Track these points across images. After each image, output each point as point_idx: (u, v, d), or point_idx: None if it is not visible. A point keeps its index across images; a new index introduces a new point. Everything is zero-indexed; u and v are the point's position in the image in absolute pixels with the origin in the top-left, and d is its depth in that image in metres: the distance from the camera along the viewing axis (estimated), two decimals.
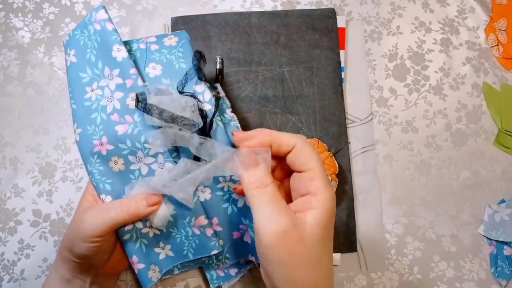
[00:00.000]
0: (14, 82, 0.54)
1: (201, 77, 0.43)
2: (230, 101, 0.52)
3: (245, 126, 0.53)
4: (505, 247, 0.52)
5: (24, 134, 0.53)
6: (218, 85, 0.47)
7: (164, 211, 0.41)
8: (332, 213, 0.33)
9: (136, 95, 0.37)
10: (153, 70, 0.44)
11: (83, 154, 0.42)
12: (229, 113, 0.45)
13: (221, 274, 0.46)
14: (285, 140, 0.35)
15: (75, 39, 0.44)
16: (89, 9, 0.57)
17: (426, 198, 0.54)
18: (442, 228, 0.53)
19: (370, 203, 0.53)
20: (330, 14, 0.57)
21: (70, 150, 0.52)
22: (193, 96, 0.41)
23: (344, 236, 0.51)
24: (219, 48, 0.55)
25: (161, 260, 0.42)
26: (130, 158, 0.42)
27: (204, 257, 0.44)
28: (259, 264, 0.44)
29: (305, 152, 0.34)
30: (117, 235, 0.42)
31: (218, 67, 0.53)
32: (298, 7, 0.59)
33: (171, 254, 0.42)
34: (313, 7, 0.59)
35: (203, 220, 0.43)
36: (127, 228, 0.41)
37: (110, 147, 0.41)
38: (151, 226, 0.42)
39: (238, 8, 0.58)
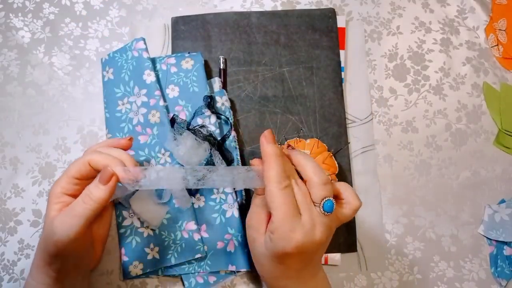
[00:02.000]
0: (14, 82, 0.54)
1: (212, 111, 0.49)
2: (230, 101, 0.52)
3: (245, 126, 0.53)
4: (505, 247, 0.52)
5: (24, 134, 0.53)
6: (224, 91, 0.52)
7: (160, 212, 0.46)
8: (275, 256, 0.38)
9: (173, 117, 0.47)
10: (172, 91, 0.51)
11: None
12: (231, 132, 0.50)
13: (200, 280, 0.47)
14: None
15: (114, 60, 0.52)
16: (89, 9, 0.57)
17: (426, 198, 0.54)
18: (442, 228, 0.53)
19: (370, 203, 0.53)
20: (330, 14, 0.57)
21: (70, 150, 0.52)
22: (200, 126, 0.48)
23: (344, 236, 0.51)
24: (219, 48, 0.55)
25: (148, 260, 0.46)
26: (145, 164, 0.49)
27: (185, 265, 0.47)
28: (238, 272, 0.48)
29: (267, 199, 0.38)
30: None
31: (221, 67, 0.54)
32: (298, 7, 0.59)
33: (157, 256, 0.46)
34: (313, 7, 0.59)
35: (193, 225, 0.47)
36: (124, 223, 0.47)
37: (132, 152, 0.49)
38: (147, 227, 0.47)
39: (238, 8, 0.58)
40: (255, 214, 0.41)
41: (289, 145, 0.43)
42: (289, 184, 0.38)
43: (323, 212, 0.37)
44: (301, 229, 0.36)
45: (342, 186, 0.40)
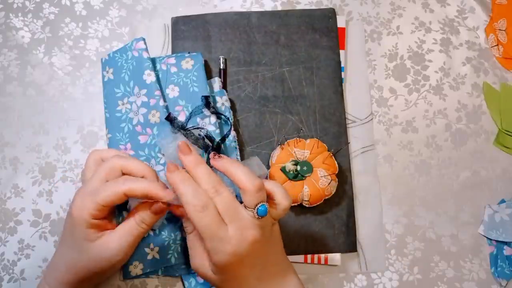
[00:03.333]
0: (14, 82, 0.54)
1: (211, 110, 0.49)
2: (230, 101, 0.52)
3: (245, 126, 0.53)
4: (505, 247, 0.52)
5: (24, 134, 0.53)
6: (224, 91, 0.52)
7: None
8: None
9: (170, 116, 0.47)
10: (172, 91, 0.51)
11: None
12: (231, 132, 0.50)
13: (200, 280, 0.48)
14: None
15: (114, 60, 0.52)
16: (89, 9, 0.57)
17: (426, 198, 0.54)
18: (442, 228, 0.53)
19: (370, 203, 0.53)
20: (330, 14, 0.57)
21: (70, 150, 0.52)
22: (198, 128, 0.48)
23: (344, 236, 0.51)
24: (219, 48, 0.55)
25: (148, 260, 0.46)
26: None
27: (185, 265, 0.47)
28: None
29: (193, 223, 0.38)
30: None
31: (221, 67, 0.53)
32: (298, 7, 0.59)
33: (157, 256, 0.46)
34: (313, 7, 0.59)
35: None
36: None
37: (132, 152, 0.49)
38: None
39: (238, 8, 0.58)
40: (195, 253, 0.42)
41: (215, 154, 0.42)
42: (207, 202, 0.37)
43: (257, 216, 0.37)
44: (230, 237, 0.37)
45: (273, 187, 0.40)
